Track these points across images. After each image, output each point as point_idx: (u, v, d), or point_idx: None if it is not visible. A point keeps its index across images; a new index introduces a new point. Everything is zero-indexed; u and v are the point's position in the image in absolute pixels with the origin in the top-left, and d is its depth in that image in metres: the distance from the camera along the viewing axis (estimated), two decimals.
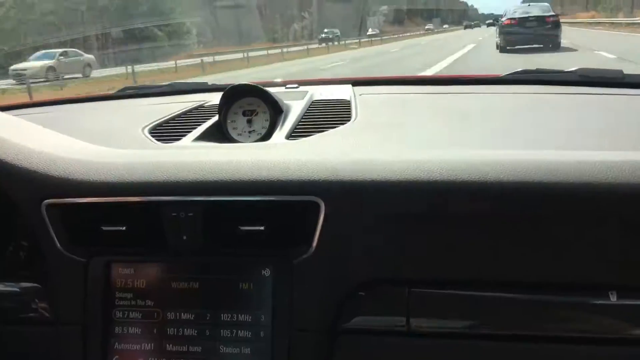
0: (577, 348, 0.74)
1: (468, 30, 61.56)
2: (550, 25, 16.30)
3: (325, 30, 45.56)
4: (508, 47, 16.11)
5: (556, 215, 0.71)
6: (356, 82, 1.37)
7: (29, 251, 0.85)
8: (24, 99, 10.39)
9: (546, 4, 18.73)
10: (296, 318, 0.76)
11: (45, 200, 0.78)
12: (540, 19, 16.40)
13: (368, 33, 52.84)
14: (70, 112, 1.41)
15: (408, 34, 61.56)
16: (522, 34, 16.10)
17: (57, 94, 12.39)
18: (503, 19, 17.44)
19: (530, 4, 18.61)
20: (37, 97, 11.14)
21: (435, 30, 66.74)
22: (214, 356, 0.77)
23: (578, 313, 0.74)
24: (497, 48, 17.38)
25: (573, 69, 1.31)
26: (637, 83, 1.24)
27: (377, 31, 58.65)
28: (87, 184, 0.78)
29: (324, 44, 37.06)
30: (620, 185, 0.69)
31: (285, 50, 29.28)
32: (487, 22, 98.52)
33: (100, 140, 0.92)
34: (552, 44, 15.93)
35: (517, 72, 1.40)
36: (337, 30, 45.68)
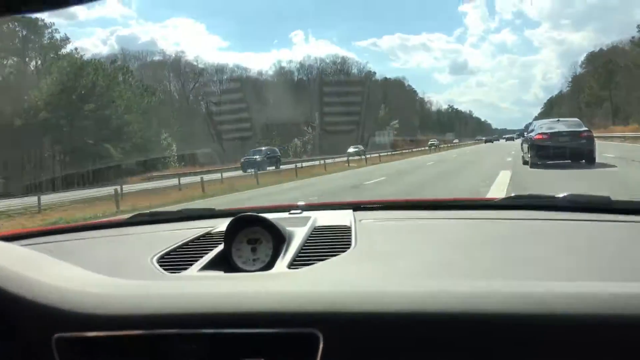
0: None
1: (488, 145, 59.41)
2: (584, 141, 15.58)
3: (352, 146, 46.84)
4: (539, 163, 15.42)
5: (553, 348, 0.72)
6: (357, 207, 1.47)
7: None
8: None
9: (576, 119, 18.34)
10: None
11: (56, 335, 0.78)
12: (573, 134, 15.73)
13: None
14: (82, 241, 1.41)
15: (419, 148, 58.45)
16: (555, 148, 15.49)
17: None
18: (532, 134, 16.47)
19: (560, 119, 18.23)
20: None
21: (441, 146, 61.35)
22: None
23: None
24: (526, 164, 16.60)
25: (563, 194, 1.38)
26: (623, 209, 1.30)
27: (386, 144, 57.42)
28: (97, 317, 0.79)
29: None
30: (606, 316, 0.70)
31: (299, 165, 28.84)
32: (506, 136, 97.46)
33: (111, 270, 0.94)
34: (587, 159, 15.27)
35: (510, 197, 1.54)
36: (361, 147, 47.95)
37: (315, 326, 0.74)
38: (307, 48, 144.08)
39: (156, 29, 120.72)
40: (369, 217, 1.38)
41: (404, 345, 0.73)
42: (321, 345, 0.74)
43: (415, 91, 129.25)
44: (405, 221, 1.40)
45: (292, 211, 1.44)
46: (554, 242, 1.12)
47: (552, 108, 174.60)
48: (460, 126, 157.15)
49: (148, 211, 1.83)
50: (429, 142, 68.71)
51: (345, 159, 34.11)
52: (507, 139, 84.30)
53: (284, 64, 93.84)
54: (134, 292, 0.83)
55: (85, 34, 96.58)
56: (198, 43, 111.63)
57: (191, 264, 1.05)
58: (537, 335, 0.71)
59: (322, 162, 30.48)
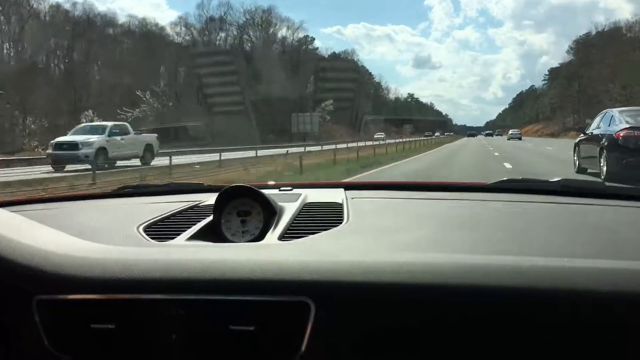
0: None
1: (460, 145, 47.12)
2: None
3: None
4: (630, 175, 8.44)
5: (537, 320, 0.72)
6: (348, 187, 1.44)
7: (14, 352, 0.80)
8: None
9: None
10: None
11: (37, 296, 0.77)
12: None
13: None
14: (66, 209, 1.40)
15: (366, 143, 43.19)
16: None
17: None
18: (613, 128, 9.64)
19: None
20: None
21: (382, 141, 45.68)
22: None
23: None
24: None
25: (556, 179, 1.37)
26: (616, 194, 1.30)
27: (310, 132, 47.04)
28: (79, 280, 0.77)
29: None
30: (597, 292, 0.71)
31: None
32: (486, 132, 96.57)
33: (95, 237, 0.94)
34: None
35: (502, 180, 1.47)
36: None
37: (307, 294, 0.73)
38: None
39: None
40: (361, 196, 1.36)
41: (394, 314, 0.73)
42: (312, 314, 0.73)
43: (370, 73, 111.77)
44: (398, 200, 1.36)
45: (282, 188, 1.40)
46: (545, 222, 1.10)
47: (521, 104, 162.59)
48: (418, 119, 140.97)
49: (135, 184, 1.79)
50: (376, 136, 55.42)
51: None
52: (487, 135, 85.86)
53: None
54: (119, 257, 0.81)
55: None
56: None
57: (178, 234, 1.02)
58: (526, 308, 0.72)
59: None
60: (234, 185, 1.09)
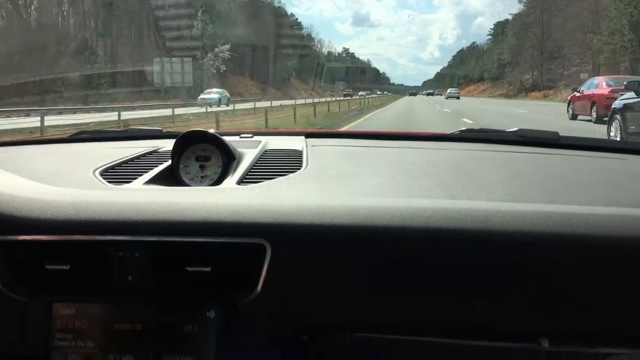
0: None
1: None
2: None
3: None
4: None
5: (490, 263, 0.74)
6: (309, 135, 1.45)
7: None
8: None
9: None
10: None
11: None
12: None
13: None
14: (19, 153, 1.39)
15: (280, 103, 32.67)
16: None
17: None
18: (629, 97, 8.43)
19: None
20: None
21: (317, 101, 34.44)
22: None
23: (511, 359, 0.77)
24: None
25: (513, 129, 1.40)
26: (571, 144, 1.34)
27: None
28: (31, 221, 0.77)
29: None
30: (552, 234, 0.73)
31: None
32: (427, 92, 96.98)
33: (50, 180, 0.92)
34: None
35: (462, 130, 1.50)
36: None
37: (263, 236, 0.75)
38: None
39: None
40: (322, 144, 1.35)
41: (352, 258, 0.74)
42: (268, 256, 0.74)
43: (300, 23, 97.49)
44: (359, 148, 1.35)
45: (242, 135, 1.40)
46: (502, 169, 1.12)
47: (461, 63, 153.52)
48: (355, 76, 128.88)
49: (92, 129, 1.81)
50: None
51: None
52: (428, 94, 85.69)
53: None
54: (72, 199, 0.80)
55: None
56: None
57: (136, 179, 1.00)
58: (481, 250, 0.73)
59: None
60: (192, 129, 1.07)
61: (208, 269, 0.75)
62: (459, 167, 1.14)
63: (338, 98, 44.24)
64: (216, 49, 43.65)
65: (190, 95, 34.64)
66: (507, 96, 65.30)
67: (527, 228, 0.74)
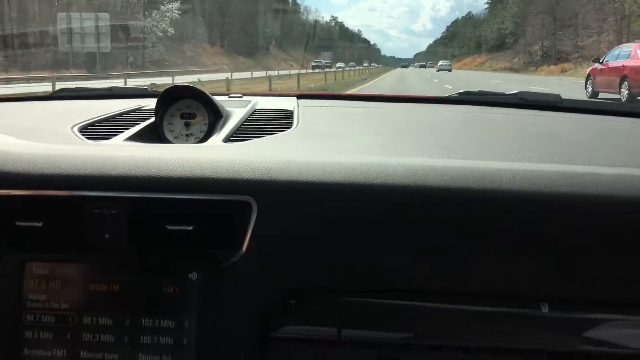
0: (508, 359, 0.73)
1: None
2: None
3: None
4: None
5: (488, 223, 0.72)
6: (301, 96, 1.40)
7: None
8: None
9: None
10: (223, 325, 0.73)
11: None
12: None
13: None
14: None
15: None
16: None
17: None
18: None
19: None
20: None
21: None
22: None
23: (510, 324, 0.74)
24: None
25: (513, 92, 1.37)
26: (573, 107, 1.30)
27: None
28: (2, 175, 0.73)
29: None
30: (555, 194, 0.71)
31: None
32: (420, 64, 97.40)
33: (24, 135, 0.87)
34: None
35: (460, 92, 1.46)
36: None
37: (249, 193, 0.71)
38: None
39: None
40: (314, 104, 1.31)
41: (341, 217, 0.72)
42: (254, 215, 0.71)
43: None
44: (353, 109, 1.31)
45: (231, 95, 1.37)
46: (500, 131, 1.08)
47: (455, 35, 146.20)
48: (344, 47, 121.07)
49: (74, 86, 1.67)
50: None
51: None
52: (420, 66, 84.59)
53: None
54: (46, 153, 0.76)
55: None
56: None
57: (116, 135, 0.96)
58: (479, 210, 0.71)
59: None
60: (176, 84, 1.03)
61: (190, 228, 0.71)
62: (456, 128, 1.11)
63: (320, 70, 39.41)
64: (162, 6, 35.50)
65: (133, 65, 27.54)
66: (511, 69, 58.34)
67: (527, 187, 0.71)
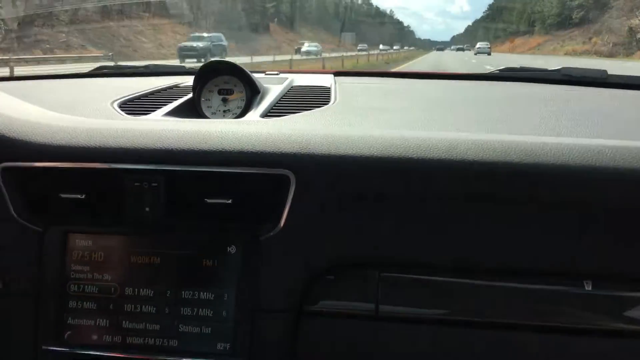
0: (549, 337, 0.72)
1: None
2: None
3: None
4: None
5: (532, 199, 0.70)
6: (338, 73, 1.39)
7: None
8: None
9: None
10: (261, 298, 0.74)
11: (1, 164, 0.75)
12: None
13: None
14: (40, 86, 1.36)
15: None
16: None
17: None
18: None
19: None
20: None
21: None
22: (173, 335, 0.75)
23: (552, 301, 0.73)
24: None
25: (556, 68, 1.33)
26: (620, 83, 1.26)
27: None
28: (46, 147, 0.75)
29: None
30: (604, 168, 0.69)
31: None
32: (457, 47, 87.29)
33: (66, 110, 0.89)
34: None
35: (501, 69, 1.43)
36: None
37: (287, 167, 0.72)
38: None
39: None
40: (351, 81, 1.30)
41: (380, 190, 0.72)
42: (293, 188, 0.71)
43: None
44: (392, 85, 1.32)
45: (268, 72, 1.35)
46: (547, 106, 1.05)
47: (500, 13, 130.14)
48: (371, 28, 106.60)
49: (113, 64, 1.79)
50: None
51: None
52: (458, 49, 77.43)
53: None
54: (89, 126, 0.78)
55: None
56: None
57: (154, 111, 0.98)
58: (523, 185, 0.70)
59: None
60: (214, 59, 1.05)
61: (229, 201, 0.72)
62: (498, 103, 1.08)
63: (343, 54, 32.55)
64: None
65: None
66: (598, 54, 42.82)
67: (576, 161, 0.69)
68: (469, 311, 0.73)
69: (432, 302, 0.74)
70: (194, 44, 24.16)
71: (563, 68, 1.29)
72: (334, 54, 34.31)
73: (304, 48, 33.38)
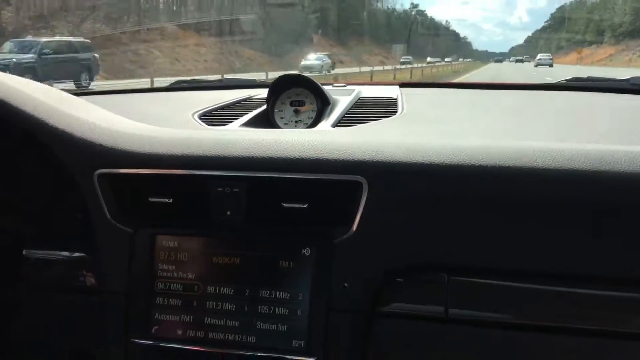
0: (616, 343, 0.72)
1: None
2: None
3: None
4: None
5: (603, 206, 0.70)
6: (404, 85, 1.44)
7: (80, 222, 0.87)
8: None
9: None
10: (334, 298, 0.76)
11: (98, 170, 0.81)
12: None
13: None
14: (125, 99, 1.46)
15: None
16: None
17: None
18: None
19: None
20: None
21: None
22: (251, 331, 0.79)
23: (619, 307, 0.73)
24: None
25: (626, 77, 1.32)
26: None
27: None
28: (137, 155, 0.80)
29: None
30: None
31: None
32: (516, 58, 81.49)
33: (151, 121, 0.95)
34: None
35: (568, 79, 1.43)
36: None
37: (360, 173, 0.74)
38: None
39: None
40: (417, 93, 1.35)
41: (451, 197, 0.73)
42: (365, 194, 0.74)
43: None
44: (457, 96, 1.34)
45: (335, 84, 1.42)
46: (617, 116, 1.04)
47: (562, 23, 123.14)
48: (424, 39, 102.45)
49: (189, 78, 1.85)
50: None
51: None
52: (517, 61, 73.08)
53: None
54: (175, 136, 0.84)
55: None
56: None
57: (232, 121, 1.05)
58: (593, 192, 0.70)
59: None
60: (287, 73, 1.11)
61: (304, 206, 0.75)
62: (565, 113, 1.08)
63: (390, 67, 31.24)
64: None
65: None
66: None
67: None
68: (538, 316, 0.73)
69: (501, 306, 0.74)
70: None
71: (632, 77, 1.29)
72: (363, 69, 32.17)
73: (303, 62, 28.48)
